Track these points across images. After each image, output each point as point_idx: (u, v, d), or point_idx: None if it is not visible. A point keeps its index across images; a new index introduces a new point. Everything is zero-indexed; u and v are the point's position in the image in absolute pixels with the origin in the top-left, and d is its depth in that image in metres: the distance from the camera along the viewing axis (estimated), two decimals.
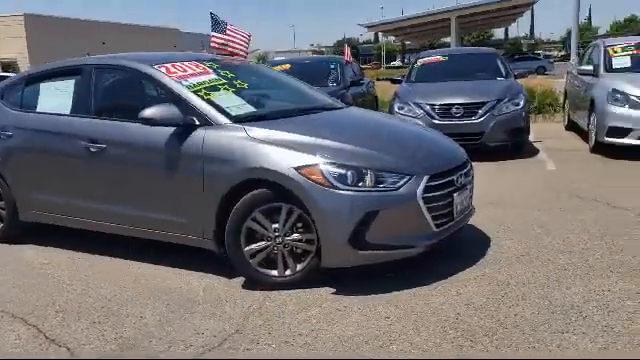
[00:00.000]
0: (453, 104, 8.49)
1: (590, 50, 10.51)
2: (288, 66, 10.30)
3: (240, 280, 4.13)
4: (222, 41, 8.12)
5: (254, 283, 4.00)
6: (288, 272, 3.94)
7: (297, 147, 3.84)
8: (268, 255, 3.95)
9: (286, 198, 3.81)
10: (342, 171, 3.70)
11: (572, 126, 10.89)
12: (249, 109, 4.41)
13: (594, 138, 8.59)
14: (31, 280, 4.36)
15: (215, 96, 4.37)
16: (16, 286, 4.26)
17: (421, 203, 3.77)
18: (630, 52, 9.17)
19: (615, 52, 9.26)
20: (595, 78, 9.04)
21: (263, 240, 3.93)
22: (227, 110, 4.24)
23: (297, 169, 3.72)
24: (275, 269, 3.95)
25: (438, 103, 8.59)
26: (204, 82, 4.50)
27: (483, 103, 8.45)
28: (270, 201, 3.86)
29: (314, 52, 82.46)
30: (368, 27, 44.67)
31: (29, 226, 5.26)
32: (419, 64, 10.36)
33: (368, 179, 3.71)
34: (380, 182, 3.73)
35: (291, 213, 3.84)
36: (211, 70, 4.76)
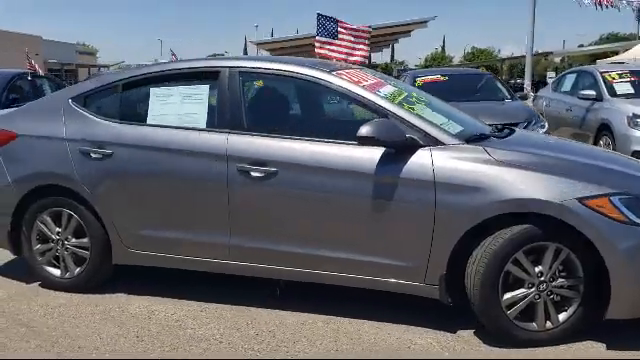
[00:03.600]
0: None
1: (574, 76, 10.76)
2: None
3: (468, 333, 3.41)
4: (335, 47, 7.15)
5: (500, 337, 3.29)
6: (549, 324, 3.28)
7: (567, 173, 3.21)
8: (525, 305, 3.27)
9: (552, 235, 3.17)
10: (636, 203, 3.13)
11: None
12: (458, 127, 3.69)
13: None
14: (193, 347, 3.30)
15: (419, 110, 3.62)
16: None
17: None
18: (628, 79, 9.47)
19: (613, 78, 9.52)
20: (599, 102, 9.20)
21: (523, 287, 3.24)
22: (444, 127, 3.51)
23: (581, 200, 3.10)
24: (532, 321, 3.28)
25: None
26: (394, 93, 3.73)
27: (515, 124, 8.21)
28: (535, 239, 3.19)
29: None
30: (258, 44, 44.30)
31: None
32: (419, 82, 9.95)
33: None
34: None
35: (558, 254, 3.21)
36: (382, 80, 3.99)
